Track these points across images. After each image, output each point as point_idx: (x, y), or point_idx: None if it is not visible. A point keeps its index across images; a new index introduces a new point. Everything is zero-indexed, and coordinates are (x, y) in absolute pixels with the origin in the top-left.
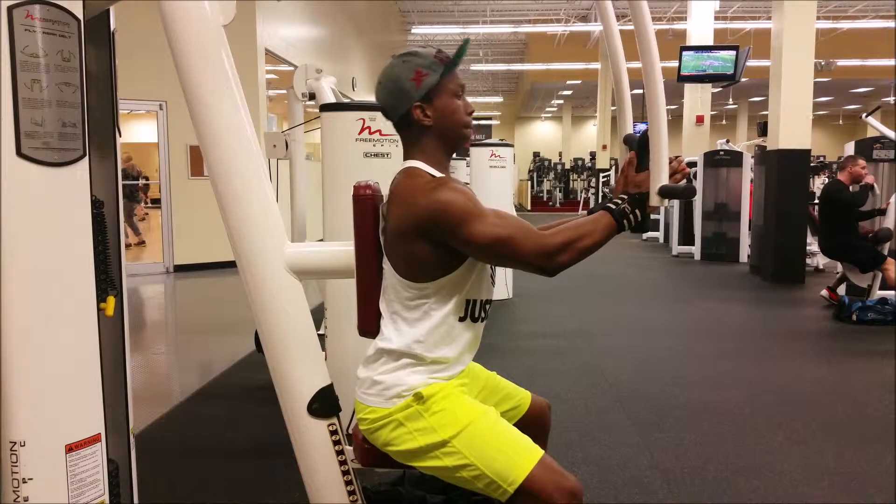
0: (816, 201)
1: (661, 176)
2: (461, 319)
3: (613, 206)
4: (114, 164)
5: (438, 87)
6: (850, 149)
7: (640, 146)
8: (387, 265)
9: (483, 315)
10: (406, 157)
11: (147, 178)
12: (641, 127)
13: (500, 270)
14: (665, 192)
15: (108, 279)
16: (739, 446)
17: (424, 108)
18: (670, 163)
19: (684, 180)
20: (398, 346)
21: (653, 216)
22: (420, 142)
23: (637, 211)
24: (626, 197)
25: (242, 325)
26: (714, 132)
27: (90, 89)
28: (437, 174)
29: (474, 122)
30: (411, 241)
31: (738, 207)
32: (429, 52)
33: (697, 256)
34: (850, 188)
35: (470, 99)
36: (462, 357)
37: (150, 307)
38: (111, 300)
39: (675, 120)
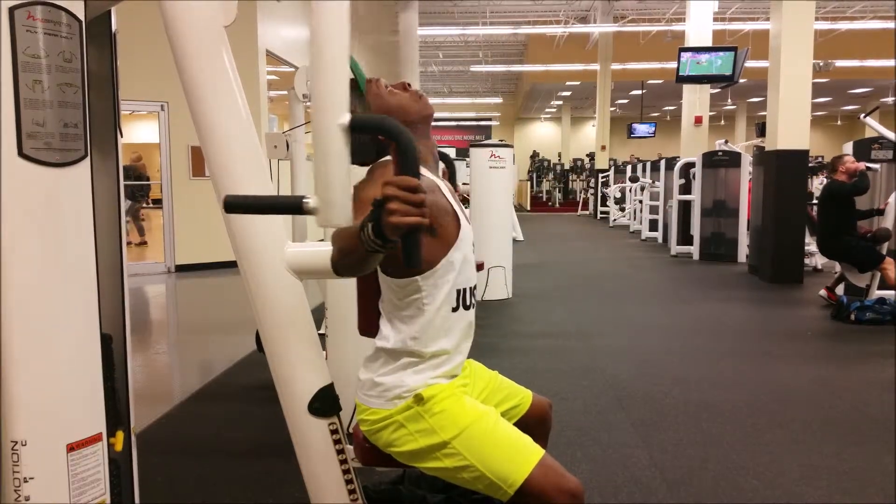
0: (815, 201)
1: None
2: (454, 310)
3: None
4: (115, 164)
5: (371, 102)
6: (848, 149)
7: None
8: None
9: (473, 302)
10: None
11: (149, 179)
12: (640, 127)
13: (499, 270)
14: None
15: (117, 415)
16: (739, 446)
17: None
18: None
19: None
20: (395, 344)
21: (651, 216)
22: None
23: (370, 228)
24: None
25: (243, 324)
26: (713, 133)
27: (92, 90)
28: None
29: (475, 124)
30: None
31: (737, 207)
32: None
33: (696, 256)
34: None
35: (469, 100)
36: (460, 346)
37: (152, 307)
38: (120, 435)
39: (675, 121)
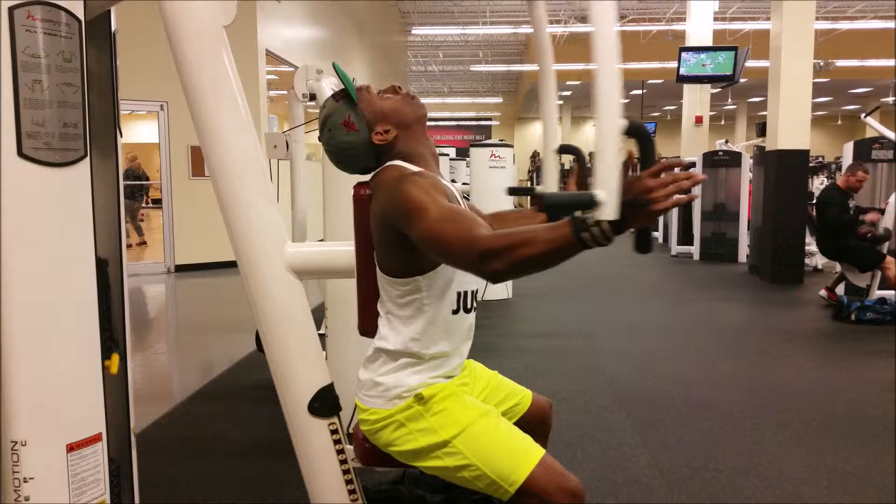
0: (815, 201)
1: (604, 183)
2: (454, 312)
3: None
4: (115, 164)
5: (365, 109)
6: (848, 149)
7: (637, 137)
8: (377, 266)
9: (474, 304)
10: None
11: (148, 179)
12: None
13: None
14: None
15: (112, 338)
16: (739, 446)
17: (376, 129)
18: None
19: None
20: (395, 345)
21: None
22: (395, 148)
23: (607, 223)
24: None
25: (243, 324)
26: (713, 132)
27: (91, 90)
28: (415, 168)
29: (475, 123)
30: (385, 235)
31: (737, 208)
32: (329, 104)
33: (696, 256)
34: (850, 193)
35: (469, 100)
36: (459, 348)
37: (151, 307)
38: (115, 358)
39: (675, 120)
